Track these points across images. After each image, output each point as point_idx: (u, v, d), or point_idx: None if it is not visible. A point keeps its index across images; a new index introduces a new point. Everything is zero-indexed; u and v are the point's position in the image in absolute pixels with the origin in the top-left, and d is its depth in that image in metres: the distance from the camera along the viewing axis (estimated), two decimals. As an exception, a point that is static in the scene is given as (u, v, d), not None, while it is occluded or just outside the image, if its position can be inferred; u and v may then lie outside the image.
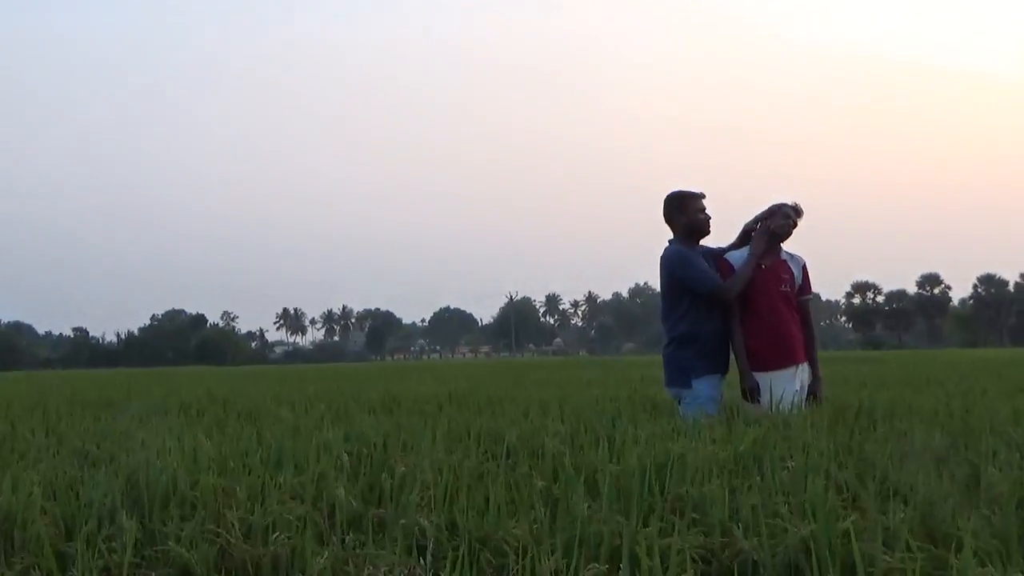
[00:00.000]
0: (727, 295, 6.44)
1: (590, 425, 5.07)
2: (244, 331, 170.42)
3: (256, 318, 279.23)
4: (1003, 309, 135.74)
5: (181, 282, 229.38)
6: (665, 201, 6.69)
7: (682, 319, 6.55)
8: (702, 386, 6.47)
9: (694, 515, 2.66)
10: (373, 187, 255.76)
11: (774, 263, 6.59)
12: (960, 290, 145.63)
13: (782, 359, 6.52)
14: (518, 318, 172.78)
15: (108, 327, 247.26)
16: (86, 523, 3.00)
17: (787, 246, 6.71)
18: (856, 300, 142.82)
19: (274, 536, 2.76)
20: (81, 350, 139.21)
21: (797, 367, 6.56)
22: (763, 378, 6.44)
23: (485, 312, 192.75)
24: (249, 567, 2.70)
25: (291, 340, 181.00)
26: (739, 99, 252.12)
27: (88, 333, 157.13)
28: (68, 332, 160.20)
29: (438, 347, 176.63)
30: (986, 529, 2.43)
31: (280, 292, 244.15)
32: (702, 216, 6.62)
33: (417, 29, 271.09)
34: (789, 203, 6.66)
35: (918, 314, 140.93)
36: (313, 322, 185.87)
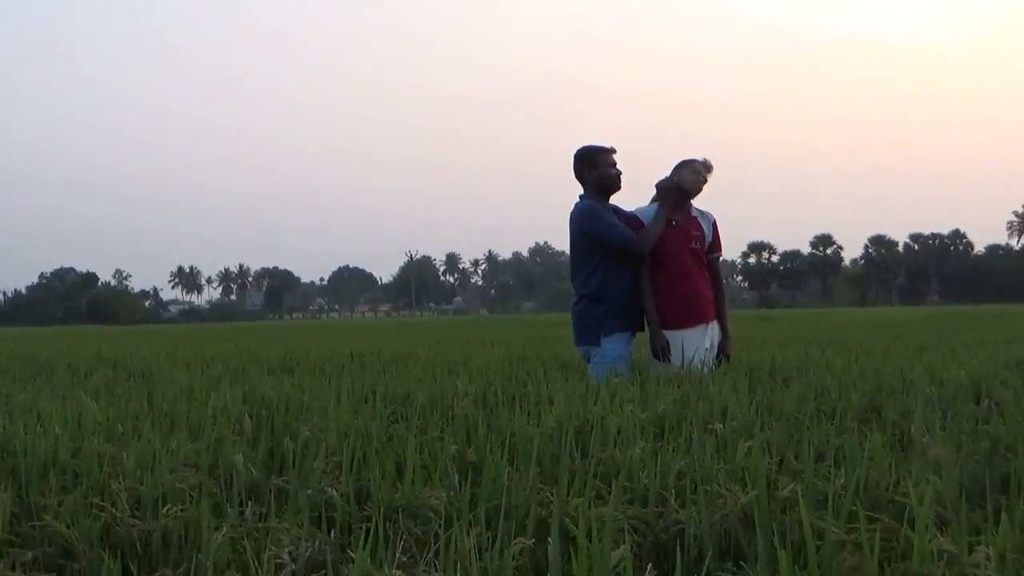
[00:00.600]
0: (641, 248, 6.30)
1: (501, 385, 4.89)
2: (137, 290, 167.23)
3: (150, 277, 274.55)
4: (892, 269, 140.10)
5: (71, 239, 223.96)
6: (575, 156, 6.52)
7: (592, 276, 6.40)
8: (612, 344, 6.35)
9: (626, 483, 2.49)
10: (270, 143, 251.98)
11: (684, 220, 6.49)
12: (852, 250, 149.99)
13: (692, 317, 6.44)
14: (418, 277, 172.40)
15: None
16: (-46, 496, 2.73)
17: (696, 203, 6.60)
18: (752, 260, 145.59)
19: (165, 509, 2.52)
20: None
21: (707, 325, 6.50)
22: (674, 336, 6.36)
23: (384, 271, 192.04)
24: (137, 543, 2.44)
25: (186, 299, 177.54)
26: (641, 60, 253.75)
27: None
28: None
29: (337, 306, 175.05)
30: (934, 497, 2.30)
31: (175, 250, 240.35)
32: (613, 171, 6.48)
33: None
34: (699, 159, 6.55)
35: (811, 274, 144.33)
36: (209, 281, 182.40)
